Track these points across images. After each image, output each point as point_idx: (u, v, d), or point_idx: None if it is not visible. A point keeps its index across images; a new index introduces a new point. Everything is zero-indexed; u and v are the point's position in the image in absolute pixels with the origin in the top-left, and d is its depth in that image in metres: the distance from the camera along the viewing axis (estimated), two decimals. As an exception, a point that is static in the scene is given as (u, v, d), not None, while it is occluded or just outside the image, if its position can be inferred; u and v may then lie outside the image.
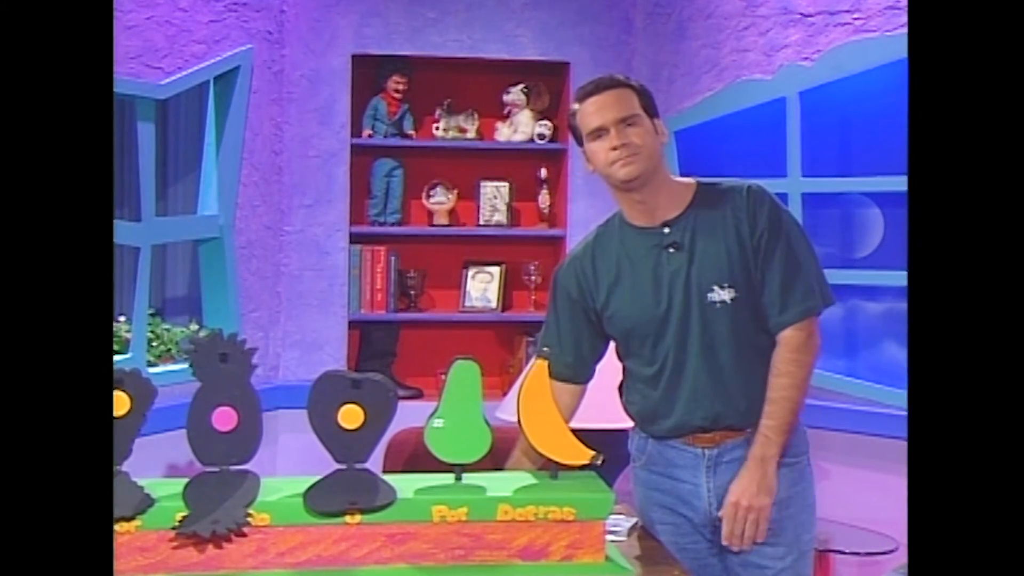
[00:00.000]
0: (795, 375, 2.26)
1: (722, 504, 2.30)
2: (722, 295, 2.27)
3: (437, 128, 4.32)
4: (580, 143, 2.38)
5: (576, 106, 2.35)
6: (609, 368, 2.48)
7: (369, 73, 4.21)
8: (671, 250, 2.30)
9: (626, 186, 2.31)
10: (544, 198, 4.37)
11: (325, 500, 2.01)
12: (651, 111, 2.34)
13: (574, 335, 2.41)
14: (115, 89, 3.18)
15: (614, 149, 2.28)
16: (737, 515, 2.24)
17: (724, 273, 2.27)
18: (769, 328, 2.29)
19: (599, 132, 2.30)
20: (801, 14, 3.85)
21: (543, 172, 4.36)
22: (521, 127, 4.32)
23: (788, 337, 2.27)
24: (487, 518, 2.03)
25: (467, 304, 4.38)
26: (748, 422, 2.29)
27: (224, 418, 2.02)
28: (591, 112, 2.31)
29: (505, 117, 4.37)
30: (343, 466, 2.05)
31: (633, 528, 2.44)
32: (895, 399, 3.63)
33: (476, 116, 4.34)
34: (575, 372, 2.42)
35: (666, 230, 2.32)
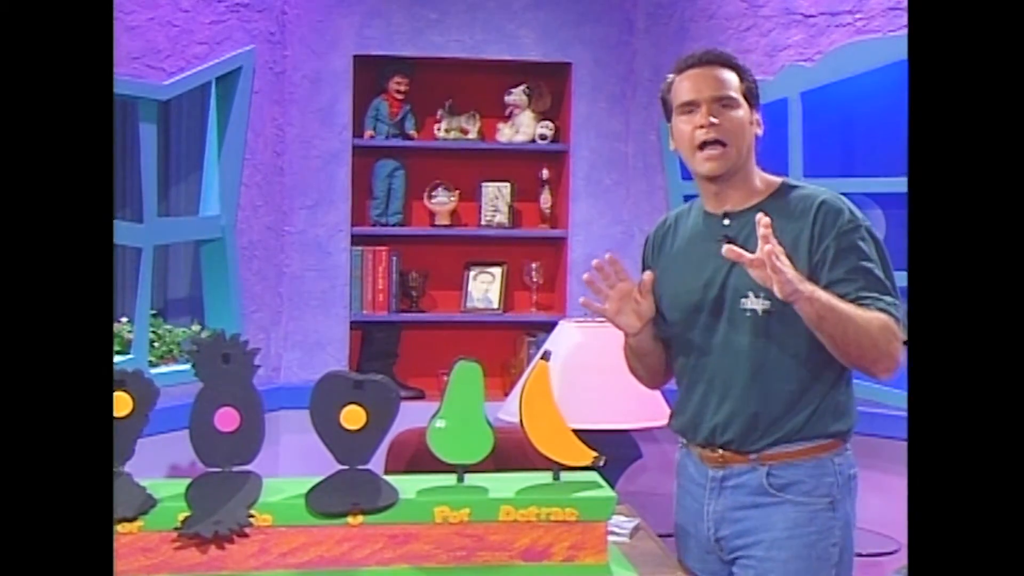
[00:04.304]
0: (858, 318, 2.01)
1: (720, 531, 2.19)
2: (755, 304, 2.11)
3: (439, 129, 4.32)
4: (668, 118, 2.24)
5: (671, 76, 2.21)
6: (609, 368, 2.48)
7: (371, 74, 4.21)
8: (724, 244, 2.12)
9: (708, 180, 2.19)
10: (546, 199, 4.37)
11: (327, 501, 2.01)
12: (752, 99, 2.19)
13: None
14: (117, 90, 3.19)
15: (701, 128, 2.13)
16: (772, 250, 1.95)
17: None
18: None
19: (689, 107, 2.15)
20: (803, 15, 3.85)
21: (545, 173, 4.36)
22: (523, 128, 4.32)
23: (877, 313, 2.04)
24: (489, 519, 2.03)
25: (469, 305, 4.38)
26: (751, 447, 2.16)
27: (226, 419, 2.02)
28: (686, 85, 2.16)
29: (507, 118, 4.36)
30: (345, 467, 2.05)
31: (636, 529, 2.44)
32: (897, 400, 3.63)
33: (478, 117, 4.34)
34: (651, 331, 2.28)
35: (726, 221, 2.19)
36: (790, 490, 2.15)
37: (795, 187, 2.22)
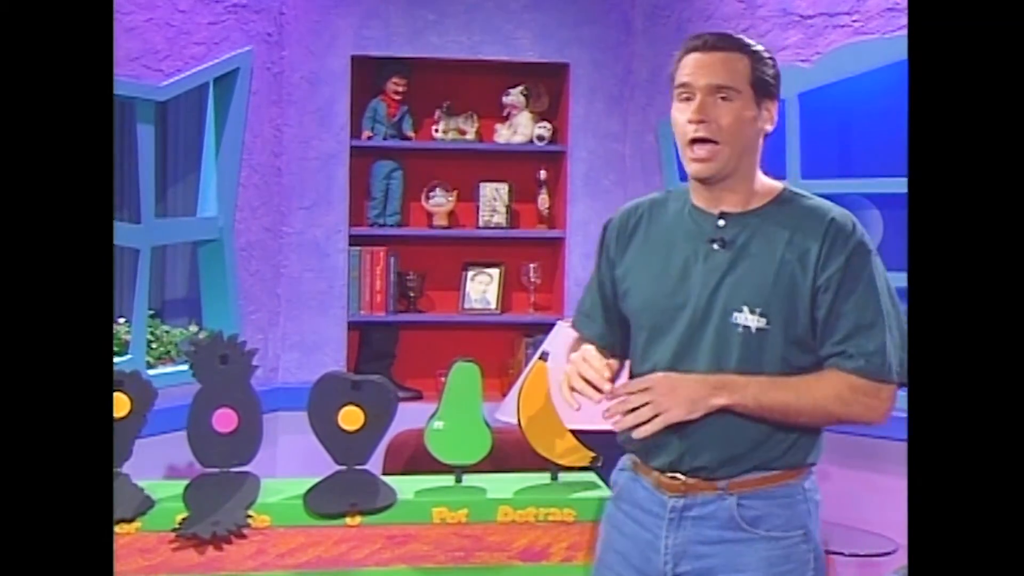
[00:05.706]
0: (802, 397, 1.91)
1: (679, 567, 1.94)
2: (748, 320, 1.90)
3: (436, 130, 4.32)
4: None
5: (676, 54, 1.99)
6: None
7: (369, 75, 4.22)
8: (716, 246, 1.95)
9: (696, 181, 1.99)
10: (543, 200, 4.37)
11: (325, 502, 2.01)
12: (765, 91, 1.96)
13: (602, 295, 2.11)
14: (115, 91, 3.19)
15: (690, 122, 1.92)
16: (637, 388, 1.87)
17: (762, 296, 1.90)
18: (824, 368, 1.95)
19: (685, 92, 1.94)
20: (800, 16, 3.85)
21: (542, 174, 4.36)
22: (520, 129, 4.32)
23: (836, 377, 1.92)
24: (487, 520, 2.03)
25: (466, 306, 4.38)
26: (723, 474, 1.94)
27: (224, 420, 2.02)
28: (685, 68, 1.94)
29: (504, 119, 4.37)
30: (343, 468, 2.05)
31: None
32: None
33: (475, 118, 4.34)
34: (606, 339, 2.10)
35: (720, 222, 1.97)
36: (762, 524, 1.94)
37: (800, 196, 2.03)
